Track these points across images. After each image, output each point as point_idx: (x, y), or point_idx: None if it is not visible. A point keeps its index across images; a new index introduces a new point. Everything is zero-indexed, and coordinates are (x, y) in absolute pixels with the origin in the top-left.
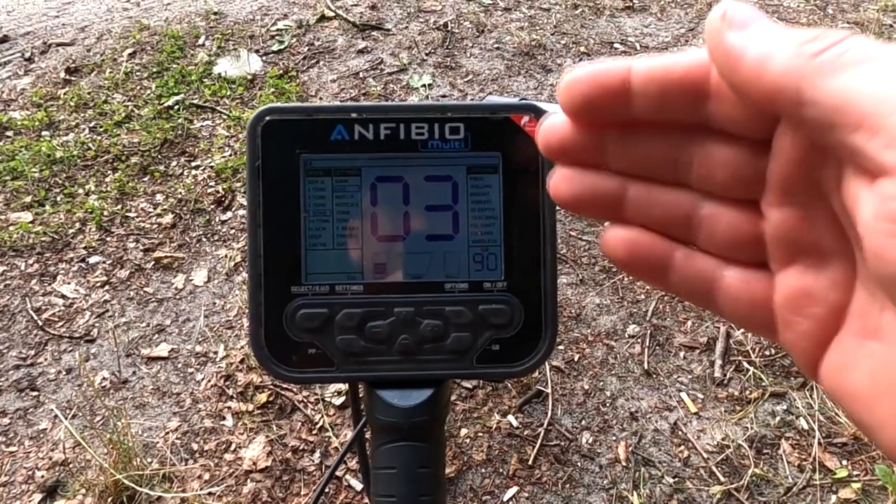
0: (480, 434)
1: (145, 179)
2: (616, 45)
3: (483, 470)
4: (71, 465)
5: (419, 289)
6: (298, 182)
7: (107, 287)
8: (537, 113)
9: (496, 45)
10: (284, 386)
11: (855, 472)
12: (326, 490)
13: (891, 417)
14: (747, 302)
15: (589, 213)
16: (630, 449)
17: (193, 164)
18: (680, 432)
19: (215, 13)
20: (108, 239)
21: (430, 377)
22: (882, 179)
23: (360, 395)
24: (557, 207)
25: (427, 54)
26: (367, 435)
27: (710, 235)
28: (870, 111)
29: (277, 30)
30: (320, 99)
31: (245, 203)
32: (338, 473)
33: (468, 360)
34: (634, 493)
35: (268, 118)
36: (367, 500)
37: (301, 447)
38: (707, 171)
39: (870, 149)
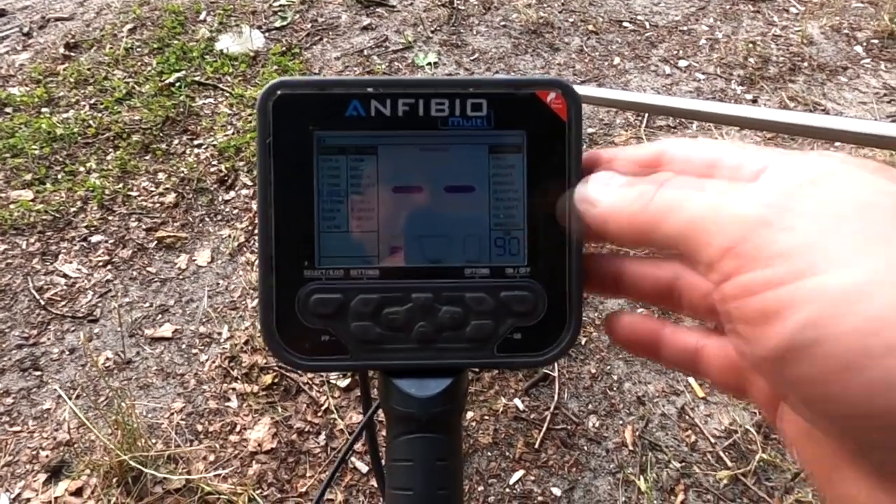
0: (486, 417)
1: (147, 158)
2: (625, 24)
3: (489, 453)
4: (75, 446)
5: (438, 274)
6: (311, 160)
7: (109, 266)
8: (565, 90)
9: (503, 23)
10: (289, 368)
11: None
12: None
13: (815, 461)
14: (725, 367)
15: (596, 292)
16: (637, 433)
17: (196, 142)
18: (687, 417)
19: None
20: (110, 218)
21: (449, 366)
22: (718, 287)
23: (374, 385)
24: None
25: (433, 32)
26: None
27: (691, 303)
28: (692, 248)
29: (280, 5)
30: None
31: (249, 182)
32: None
33: (489, 348)
34: (641, 477)
35: (279, 92)
36: (373, 482)
37: (306, 429)
38: None
39: (701, 271)
